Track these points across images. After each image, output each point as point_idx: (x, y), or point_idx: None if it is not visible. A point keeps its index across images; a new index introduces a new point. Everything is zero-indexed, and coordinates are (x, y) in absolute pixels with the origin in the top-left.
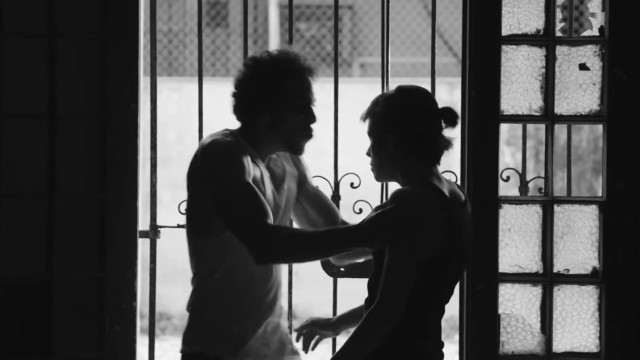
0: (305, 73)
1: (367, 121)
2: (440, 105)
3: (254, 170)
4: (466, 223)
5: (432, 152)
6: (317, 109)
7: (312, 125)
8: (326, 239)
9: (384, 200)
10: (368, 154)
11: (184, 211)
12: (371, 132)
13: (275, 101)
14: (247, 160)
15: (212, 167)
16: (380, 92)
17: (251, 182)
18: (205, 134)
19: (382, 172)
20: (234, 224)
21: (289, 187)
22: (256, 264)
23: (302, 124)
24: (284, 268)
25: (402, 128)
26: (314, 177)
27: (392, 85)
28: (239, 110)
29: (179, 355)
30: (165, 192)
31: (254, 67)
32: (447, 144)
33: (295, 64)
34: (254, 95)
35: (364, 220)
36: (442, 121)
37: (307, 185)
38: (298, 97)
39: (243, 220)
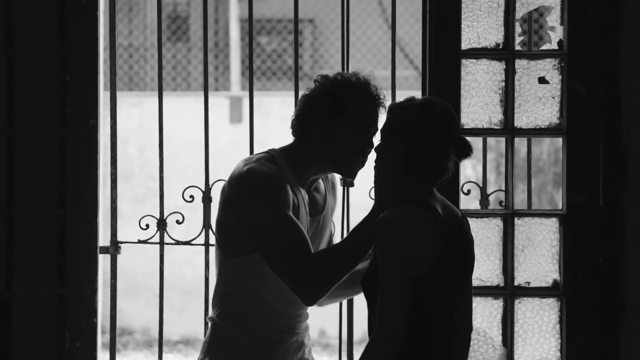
0: (375, 100)
1: (386, 117)
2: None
3: (292, 198)
4: (465, 234)
5: (435, 173)
6: (374, 138)
7: (367, 152)
8: (351, 242)
9: (344, 211)
10: (376, 150)
11: (145, 226)
12: (384, 132)
13: (336, 113)
14: (287, 190)
15: (251, 204)
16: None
17: (292, 215)
18: (166, 148)
19: (383, 177)
20: (277, 268)
21: (325, 218)
22: (307, 305)
23: (358, 145)
24: None
25: (416, 140)
26: None
27: None
28: (297, 126)
29: None
30: (126, 207)
31: (322, 84)
32: (447, 170)
33: (367, 88)
34: (317, 108)
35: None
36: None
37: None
38: (360, 117)
39: (286, 265)
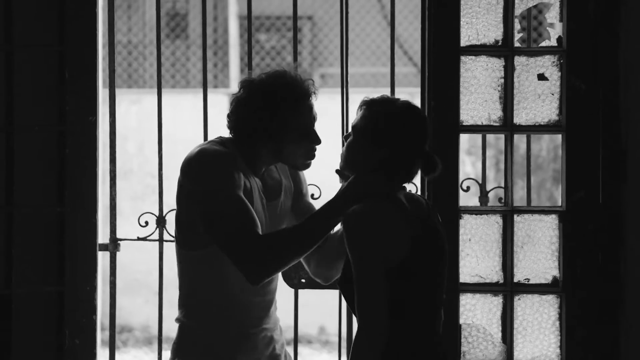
0: (304, 99)
1: (361, 114)
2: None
3: (244, 182)
4: (433, 224)
5: (403, 178)
6: (318, 127)
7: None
8: (305, 226)
9: None
10: (345, 139)
11: (144, 223)
12: (359, 133)
13: (276, 135)
14: (238, 170)
15: (199, 179)
16: (340, 102)
17: (241, 194)
18: (165, 145)
19: (349, 171)
20: (223, 245)
21: (284, 201)
22: (252, 285)
23: (306, 150)
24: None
25: (391, 150)
26: None
27: (353, 96)
28: (235, 130)
29: None
30: (125, 204)
31: (249, 92)
32: (413, 177)
33: (293, 91)
34: (251, 123)
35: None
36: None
37: (301, 200)
38: (299, 128)
39: (231, 241)
